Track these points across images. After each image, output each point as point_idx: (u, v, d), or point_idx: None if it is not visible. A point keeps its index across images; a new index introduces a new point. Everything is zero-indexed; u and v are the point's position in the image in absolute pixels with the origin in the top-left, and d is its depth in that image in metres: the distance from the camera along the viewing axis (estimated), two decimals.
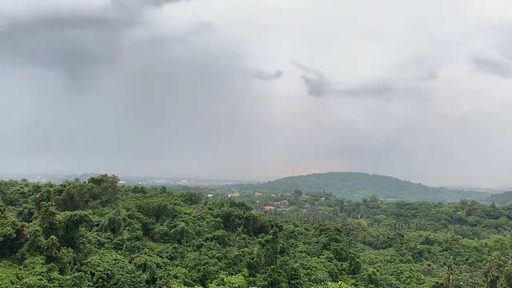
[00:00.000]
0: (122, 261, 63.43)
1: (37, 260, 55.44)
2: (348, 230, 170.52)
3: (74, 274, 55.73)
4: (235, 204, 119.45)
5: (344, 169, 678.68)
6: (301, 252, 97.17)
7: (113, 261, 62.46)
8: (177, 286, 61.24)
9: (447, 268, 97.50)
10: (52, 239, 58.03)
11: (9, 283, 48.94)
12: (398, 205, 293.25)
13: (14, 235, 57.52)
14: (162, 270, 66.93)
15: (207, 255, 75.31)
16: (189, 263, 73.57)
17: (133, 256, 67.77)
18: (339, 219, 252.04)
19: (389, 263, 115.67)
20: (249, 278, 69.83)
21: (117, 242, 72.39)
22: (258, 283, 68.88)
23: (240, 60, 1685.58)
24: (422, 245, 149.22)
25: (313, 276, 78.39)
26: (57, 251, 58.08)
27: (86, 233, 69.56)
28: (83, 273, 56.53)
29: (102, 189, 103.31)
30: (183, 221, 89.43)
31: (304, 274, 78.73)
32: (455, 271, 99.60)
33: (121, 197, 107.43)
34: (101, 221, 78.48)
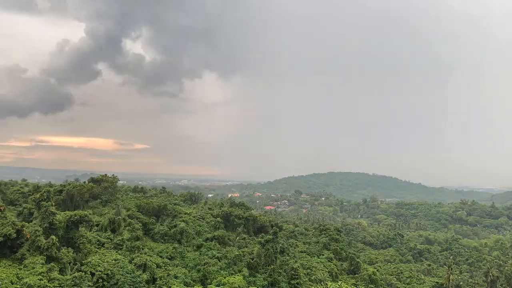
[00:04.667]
0: (122, 261, 63.32)
1: (37, 260, 55.38)
2: (348, 230, 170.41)
3: (74, 274, 55.65)
4: (235, 204, 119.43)
5: (344, 169, 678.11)
6: (301, 252, 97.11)
7: (113, 261, 62.35)
8: (177, 286, 61.21)
9: (447, 268, 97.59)
10: (52, 239, 57.97)
11: (9, 283, 48.87)
12: (398, 205, 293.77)
13: (14, 235, 57.43)
14: (162, 270, 66.85)
15: (207, 255, 75.27)
16: (189, 263, 73.54)
17: (133, 256, 67.69)
18: (339, 219, 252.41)
19: (389, 263, 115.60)
20: (249, 278, 69.81)
21: (117, 242, 72.31)
22: (258, 283, 68.87)
23: None
24: (422, 245, 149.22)
25: (313, 276, 78.36)
26: (57, 251, 58.02)
27: (86, 233, 69.44)
28: (83, 273, 56.43)
29: (102, 189, 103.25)
30: (183, 221, 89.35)
31: (304, 274, 78.72)
32: (455, 271, 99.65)
33: (121, 197, 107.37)
34: (101, 221, 78.39)
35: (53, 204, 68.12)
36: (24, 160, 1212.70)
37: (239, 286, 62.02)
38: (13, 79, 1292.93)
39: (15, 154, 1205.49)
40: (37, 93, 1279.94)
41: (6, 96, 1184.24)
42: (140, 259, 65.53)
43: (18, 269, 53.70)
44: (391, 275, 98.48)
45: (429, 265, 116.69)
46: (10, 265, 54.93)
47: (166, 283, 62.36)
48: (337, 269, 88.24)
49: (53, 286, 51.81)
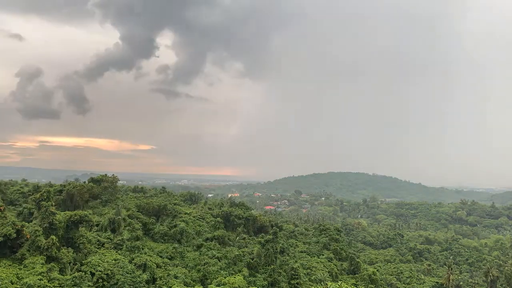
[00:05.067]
0: (122, 261, 63.34)
1: (37, 260, 55.40)
2: (348, 230, 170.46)
3: (74, 274, 55.67)
4: (235, 204, 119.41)
5: (344, 169, 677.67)
6: (301, 252, 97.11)
7: (113, 261, 62.37)
8: (177, 286, 61.22)
9: (447, 268, 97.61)
10: (52, 239, 57.99)
11: (9, 283, 48.90)
12: (398, 205, 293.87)
13: (14, 235, 57.43)
14: (162, 270, 66.88)
15: (207, 255, 75.28)
16: (189, 263, 73.54)
17: (133, 256, 67.72)
18: (339, 219, 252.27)
19: (389, 263, 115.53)
20: (249, 278, 69.81)
21: (117, 242, 72.30)
22: (258, 283, 68.85)
23: None
24: (422, 245, 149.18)
25: (313, 276, 78.38)
26: (57, 251, 58.03)
27: (86, 233, 69.45)
28: (83, 273, 56.45)
29: (102, 189, 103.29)
30: (183, 221, 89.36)
31: (304, 274, 78.74)
32: (455, 271, 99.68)
33: (121, 197, 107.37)
34: (101, 221, 78.41)
35: (53, 204, 68.08)
36: (28, 160, 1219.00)
37: (239, 286, 62.01)
38: (26, 82, 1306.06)
39: (20, 154, 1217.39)
40: (50, 96, 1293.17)
41: (19, 98, 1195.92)
42: (140, 259, 65.55)
43: (18, 269, 53.72)
44: (391, 275, 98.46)
45: (429, 265, 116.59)
46: (10, 265, 54.95)
47: (166, 283, 62.39)
48: (337, 269, 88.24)
49: (53, 286, 51.83)
